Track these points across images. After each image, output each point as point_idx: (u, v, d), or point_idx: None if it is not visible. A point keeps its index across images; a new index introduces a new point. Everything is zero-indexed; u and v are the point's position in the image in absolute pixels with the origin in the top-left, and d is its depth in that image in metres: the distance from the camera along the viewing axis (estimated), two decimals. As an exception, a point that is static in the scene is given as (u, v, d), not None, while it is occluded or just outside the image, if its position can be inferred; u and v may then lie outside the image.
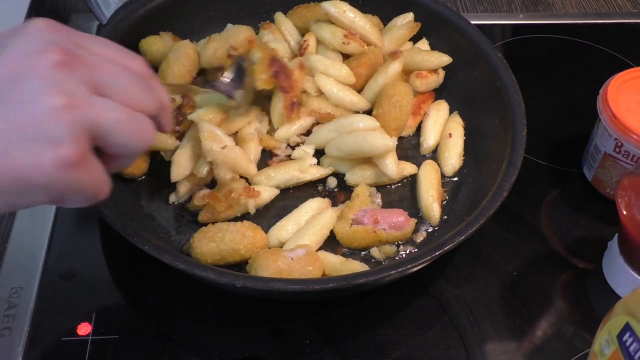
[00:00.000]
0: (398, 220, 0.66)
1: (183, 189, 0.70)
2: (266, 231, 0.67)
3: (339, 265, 0.64)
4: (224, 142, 0.67)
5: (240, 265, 0.65)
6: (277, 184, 0.71)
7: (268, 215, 0.70)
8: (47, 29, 0.42)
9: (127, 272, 0.67)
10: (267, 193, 0.70)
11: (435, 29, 0.83)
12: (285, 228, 0.68)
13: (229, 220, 0.67)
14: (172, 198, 0.71)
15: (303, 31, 0.85)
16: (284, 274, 0.60)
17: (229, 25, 0.80)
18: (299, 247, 0.63)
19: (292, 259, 0.61)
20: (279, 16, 0.86)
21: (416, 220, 0.68)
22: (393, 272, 0.57)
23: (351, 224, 0.66)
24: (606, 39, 0.97)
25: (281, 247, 0.66)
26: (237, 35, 0.76)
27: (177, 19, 0.81)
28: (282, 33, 0.84)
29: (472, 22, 0.80)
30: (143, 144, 0.45)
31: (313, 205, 0.69)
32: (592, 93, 0.73)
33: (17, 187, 0.39)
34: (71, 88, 0.40)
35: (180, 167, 0.69)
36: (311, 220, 0.67)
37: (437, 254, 0.58)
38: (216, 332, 0.63)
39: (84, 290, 0.66)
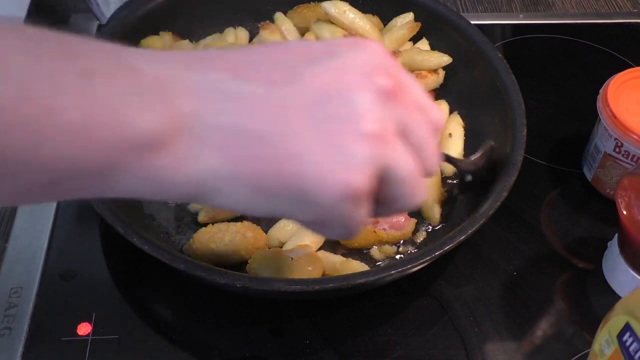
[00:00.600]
0: (398, 220, 0.66)
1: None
2: (266, 231, 0.67)
3: (338, 265, 0.64)
4: None
5: (241, 265, 0.65)
6: None
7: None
8: (382, 54, 0.40)
9: (127, 272, 0.67)
10: None
11: (435, 29, 0.83)
12: (285, 228, 0.68)
13: (228, 221, 0.67)
14: (172, 198, 0.71)
15: (303, 31, 0.85)
16: (284, 274, 0.60)
17: (229, 29, 0.79)
18: (299, 247, 0.63)
19: (292, 259, 0.61)
20: (279, 16, 0.86)
21: (416, 220, 0.68)
22: (393, 272, 0.57)
23: None
24: (606, 39, 0.97)
25: (281, 247, 0.66)
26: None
27: (177, 19, 0.81)
28: (282, 33, 0.84)
29: (472, 22, 0.80)
30: (411, 207, 0.42)
31: None
32: (592, 93, 0.73)
33: (289, 192, 0.37)
34: (387, 121, 0.38)
35: None
36: None
37: (437, 254, 0.58)
38: (216, 332, 0.63)
39: (84, 290, 0.66)
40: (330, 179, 0.36)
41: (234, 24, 0.86)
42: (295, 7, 0.86)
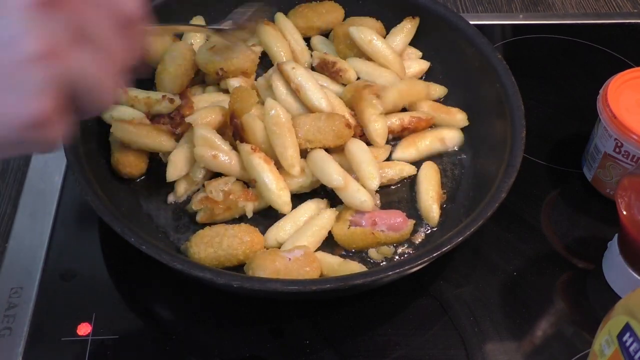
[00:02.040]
0: (396, 221, 0.66)
1: (181, 189, 0.70)
2: (264, 231, 0.67)
3: (337, 265, 0.64)
4: (218, 149, 0.68)
5: (239, 266, 0.65)
6: None
7: (267, 215, 0.70)
8: None
9: (127, 272, 0.67)
10: None
11: (435, 29, 0.83)
12: (283, 228, 0.68)
13: (226, 222, 0.67)
14: (171, 198, 0.71)
15: (304, 30, 0.85)
16: (281, 275, 0.60)
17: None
18: (297, 247, 0.63)
19: (289, 259, 0.61)
20: (280, 17, 0.86)
21: (414, 222, 0.68)
22: (391, 273, 0.57)
23: (349, 226, 0.66)
24: (606, 39, 0.97)
25: (279, 248, 0.66)
26: (233, 62, 0.75)
27: (176, 20, 0.81)
28: (282, 33, 0.84)
29: (472, 22, 0.80)
30: (104, 109, 0.41)
31: (312, 206, 0.69)
32: (592, 93, 0.73)
33: None
34: (52, 33, 0.35)
35: (177, 167, 0.69)
36: (309, 221, 0.67)
37: (434, 255, 0.58)
38: (216, 332, 0.63)
39: (84, 290, 0.66)
40: (6, 113, 0.35)
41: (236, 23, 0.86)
42: (297, 7, 0.86)
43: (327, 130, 0.68)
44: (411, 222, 0.67)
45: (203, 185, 0.69)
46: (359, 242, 0.65)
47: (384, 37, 0.83)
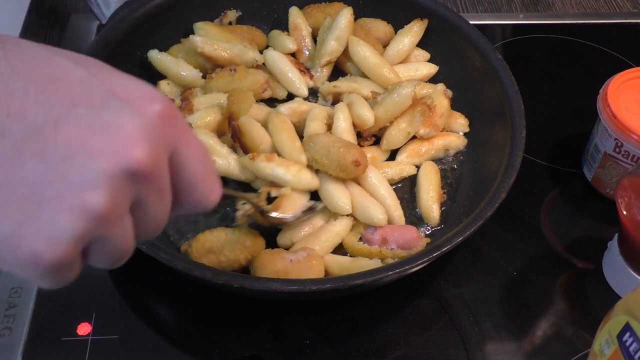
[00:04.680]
0: (409, 239, 0.65)
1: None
2: (277, 231, 0.67)
3: (349, 263, 0.63)
4: (216, 154, 0.68)
5: (241, 268, 0.64)
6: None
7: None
8: (160, 119, 0.35)
9: (127, 272, 0.67)
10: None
11: (435, 29, 0.83)
12: (299, 229, 0.67)
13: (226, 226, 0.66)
14: (171, 198, 0.70)
15: (313, 30, 0.85)
16: (281, 275, 0.60)
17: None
18: (302, 249, 0.63)
19: (290, 260, 0.61)
20: (294, 10, 0.85)
21: (429, 240, 0.67)
22: (390, 273, 0.57)
23: (360, 239, 0.66)
24: (606, 39, 0.97)
25: (289, 248, 0.66)
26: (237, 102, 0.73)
27: (178, 19, 0.81)
28: (296, 29, 0.84)
29: (472, 22, 0.80)
30: (153, 235, 0.41)
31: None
32: (592, 93, 0.73)
33: None
34: (119, 201, 0.33)
35: None
36: (325, 226, 0.67)
37: (434, 255, 0.58)
38: (216, 332, 0.63)
39: (84, 290, 0.66)
40: (19, 245, 0.32)
41: (239, 24, 0.86)
42: (306, 7, 0.86)
43: (334, 158, 0.66)
44: (424, 241, 0.66)
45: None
46: (366, 254, 0.65)
47: (392, 39, 0.83)
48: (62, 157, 0.31)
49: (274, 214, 0.65)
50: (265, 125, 0.73)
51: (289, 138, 0.69)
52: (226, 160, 0.68)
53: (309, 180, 0.67)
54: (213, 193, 0.40)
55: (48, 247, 0.32)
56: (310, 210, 0.67)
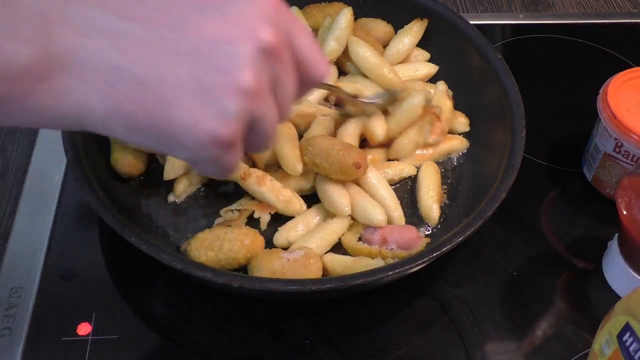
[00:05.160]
0: (409, 239, 0.65)
1: (180, 188, 0.70)
2: (273, 231, 0.67)
3: (351, 262, 0.63)
4: None
5: (240, 268, 0.65)
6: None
7: (274, 216, 0.70)
8: (273, 6, 0.41)
9: (127, 272, 0.67)
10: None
11: (435, 29, 0.83)
12: (295, 228, 0.67)
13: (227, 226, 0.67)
14: (171, 198, 0.71)
15: (313, 30, 0.84)
16: (278, 275, 0.60)
17: None
18: (299, 248, 0.63)
19: (287, 260, 0.61)
20: (294, 11, 0.85)
21: (429, 240, 0.66)
22: (390, 273, 0.57)
23: (359, 238, 0.66)
24: (606, 39, 0.97)
25: (287, 248, 0.66)
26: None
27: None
28: None
29: (472, 22, 0.80)
30: (263, 150, 0.46)
31: (324, 208, 0.69)
32: (592, 93, 0.73)
33: (161, 134, 0.39)
34: (263, 77, 0.40)
35: (174, 166, 0.69)
36: (322, 224, 0.67)
37: (434, 255, 0.58)
38: (216, 332, 0.63)
39: (84, 290, 0.66)
40: (200, 128, 0.39)
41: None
42: (306, 7, 0.86)
43: (335, 162, 0.66)
44: (424, 241, 0.65)
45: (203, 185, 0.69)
46: (365, 253, 0.65)
47: (392, 39, 0.83)
48: (209, 49, 0.38)
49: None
50: None
51: (292, 147, 0.69)
52: None
53: (297, 209, 0.68)
54: (324, 65, 0.46)
55: (222, 125, 0.39)
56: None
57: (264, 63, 0.39)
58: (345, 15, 0.79)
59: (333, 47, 0.79)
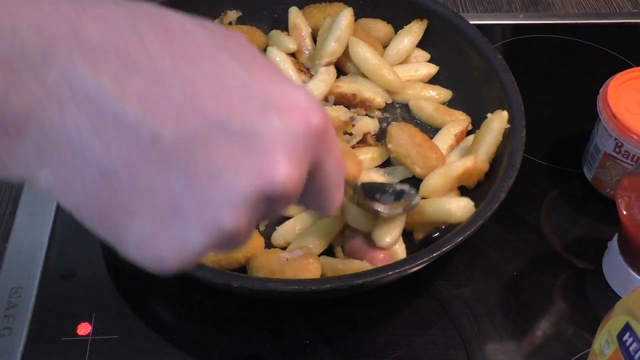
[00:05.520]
0: (371, 256, 0.64)
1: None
2: (271, 231, 0.67)
3: (341, 265, 0.63)
4: None
5: (239, 267, 0.65)
6: None
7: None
8: (311, 133, 0.33)
9: (127, 272, 0.67)
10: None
11: (435, 29, 0.83)
12: (293, 228, 0.67)
13: None
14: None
15: (313, 31, 0.85)
16: (277, 275, 0.60)
17: None
18: (298, 248, 0.63)
19: (286, 259, 0.61)
20: (294, 11, 0.85)
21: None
22: (390, 273, 0.57)
23: (342, 246, 0.67)
24: (606, 39, 0.97)
25: (286, 247, 0.66)
26: None
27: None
28: (296, 29, 0.84)
29: (472, 22, 0.80)
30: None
31: None
32: (592, 93, 0.73)
33: (110, 239, 0.34)
34: (250, 219, 0.33)
35: None
36: (318, 224, 0.67)
37: (434, 255, 0.58)
38: (216, 332, 0.63)
39: (84, 290, 0.66)
40: (152, 253, 0.33)
41: (241, 24, 0.86)
42: (306, 7, 0.86)
43: None
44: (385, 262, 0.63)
45: None
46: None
47: (392, 39, 0.83)
48: (208, 175, 0.31)
49: (376, 206, 0.62)
50: None
51: None
52: None
53: (296, 209, 0.68)
54: (337, 203, 0.39)
55: (175, 257, 0.33)
56: (408, 206, 0.63)
57: (260, 206, 0.33)
58: (346, 15, 0.79)
59: (333, 47, 0.79)
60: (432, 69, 0.83)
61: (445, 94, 0.81)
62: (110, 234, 0.33)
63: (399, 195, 0.63)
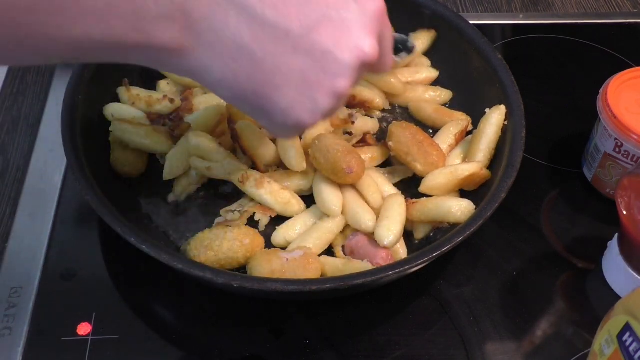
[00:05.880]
0: (373, 254, 0.64)
1: (179, 188, 0.70)
2: (271, 230, 0.68)
3: (341, 265, 0.63)
4: (212, 159, 0.68)
5: (240, 267, 0.65)
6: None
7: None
8: (377, 16, 0.47)
9: (127, 272, 0.67)
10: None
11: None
12: (293, 228, 0.68)
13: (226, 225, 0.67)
14: (171, 198, 0.71)
15: None
16: (277, 275, 0.60)
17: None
18: (298, 248, 0.63)
19: (287, 259, 0.61)
20: None
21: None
22: (390, 272, 0.57)
23: (342, 246, 0.67)
24: (606, 39, 0.97)
25: (285, 248, 0.66)
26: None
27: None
28: None
29: (472, 22, 0.80)
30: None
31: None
32: (592, 93, 0.73)
33: (258, 108, 0.46)
34: (355, 80, 0.47)
35: (173, 166, 0.69)
36: (318, 224, 0.67)
37: (434, 255, 0.58)
38: (216, 332, 0.63)
39: (84, 290, 0.66)
40: (291, 114, 0.46)
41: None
42: None
43: (330, 160, 0.66)
44: (388, 261, 0.64)
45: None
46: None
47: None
48: (321, 52, 0.44)
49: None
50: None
51: (296, 145, 0.69)
52: (221, 165, 0.68)
53: (295, 210, 0.69)
54: (390, 61, 0.55)
55: (309, 117, 0.47)
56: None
57: (359, 70, 0.46)
58: None
59: None
60: (433, 73, 0.83)
61: (445, 94, 0.81)
62: (263, 106, 0.46)
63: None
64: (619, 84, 0.72)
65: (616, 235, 0.67)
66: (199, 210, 0.70)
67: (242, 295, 0.64)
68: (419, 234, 0.68)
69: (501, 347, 0.63)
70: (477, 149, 0.71)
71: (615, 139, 0.70)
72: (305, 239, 0.66)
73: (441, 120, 0.78)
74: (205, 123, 0.71)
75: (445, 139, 0.74)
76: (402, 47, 0.69)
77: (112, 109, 0.73)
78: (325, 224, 0.67)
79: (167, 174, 0.69)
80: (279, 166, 0.71)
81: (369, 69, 0.49)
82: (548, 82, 0.91)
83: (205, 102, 0.75)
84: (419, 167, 0.70)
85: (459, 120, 0.76)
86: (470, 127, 0.77)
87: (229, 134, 0.71)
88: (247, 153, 0.70)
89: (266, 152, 0.70)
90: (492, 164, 0.70)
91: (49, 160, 0.77)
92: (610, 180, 0.74)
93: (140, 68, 0.78)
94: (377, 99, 0.78)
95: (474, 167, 0.68)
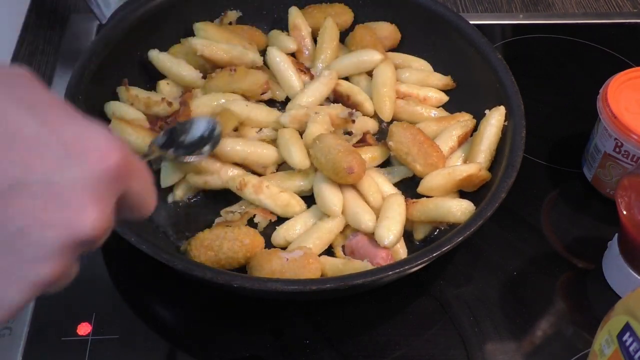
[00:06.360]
0: (374, 254, 0.64)
1: (179, 192, 0.70)
2: (271, 230, 0.68)
3: (341, 265, 0.63)
4: (209, 172, 0.69)
5: (240, 267, 0.65)
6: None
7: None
8: (111, 168, 0.34)
9: (127, 272, 0.67)
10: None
11: (435, 29, 0.83)
12: (293, 228, 0.68)
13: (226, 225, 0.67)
14: (171, 198, 0.71)
15: (314, 31, 0.85)
16: (277, 275, 0.60)
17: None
18: (298, 248, 0.63)
19: (287, 259, 0.61)
20: (294, 10, 0.85)
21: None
22: (390, 272, 0.57)
23: (343, 246, 0.67)
24: (606, 39, 0.97)
25: (285, 247, 0.66)
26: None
27: (178, 19, 0.81)
28: (296, 29, 0.84)
29: (472, 22, 0.80)
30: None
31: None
32: (592, 93, 0.73)
33: None
34: (66, 264, 0.35)
35: (169, 174, 0.70)
36: (318, 224, 0.67)
37: (434, 254, 0.58)
38: (216, 332, 0.63)
39: (84, 290, 0.66)
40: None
41: (241, 24, 0.86)
42: (306, 7, 0.86)
43: (331, 160, 0.66)
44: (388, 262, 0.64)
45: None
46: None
47: (398, 42, 0.84)
48: (15, 230, 0.31)
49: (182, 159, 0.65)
50: (266, 126, 0.74)
51: (299, 145, 0.69)
52: (218, 176, 0.69)
53: (295, 212, 0.69)
54: (149, 210, 0.40)
55: (41, 267, 0.33)
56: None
57: (74, 251, 0.34)
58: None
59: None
60: (443, 97, 0.81)
61: (440, 97, 0.81)
62: None
63: (199, 141, 0.65)
64: (619, 84, 0.72)
65: (616, 235, 0.67)
66: (198, 210, 0.70)
67: (242, 295, 0.64)
68: (419, 234, 0.68)
69: (501, 347, 0.63)
70: (478, 150, 0.71)
71: (615, 139, 0.70)
72: (305, 239, 0.66)
73: (445, 125, 0.77)
74: None
75: (447, 140, 0.74)
76: (207, 138, 0.64)
77: (113, 107, 0.73)
78: (326, 224, 0.67)
79: (164, 182, 0.70)
80: (277, 169, 0.72)
81: (104, 239, 0.36)
82: (548, 82, 0.91)
83: (205, 103, 0.75)
84: (418, 167, 0.70)
85: (464, 122, 0.76)
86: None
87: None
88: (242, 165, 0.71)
89: (269, 154, 0.71)
90: (492, 164, 0.70)
91: (49, 160, 0.77)
92: (610, 180, 0.74)
93: (140, 67, 0.78)
94: (366, 104, 0.78)
95: (472, 168, 0.68)
